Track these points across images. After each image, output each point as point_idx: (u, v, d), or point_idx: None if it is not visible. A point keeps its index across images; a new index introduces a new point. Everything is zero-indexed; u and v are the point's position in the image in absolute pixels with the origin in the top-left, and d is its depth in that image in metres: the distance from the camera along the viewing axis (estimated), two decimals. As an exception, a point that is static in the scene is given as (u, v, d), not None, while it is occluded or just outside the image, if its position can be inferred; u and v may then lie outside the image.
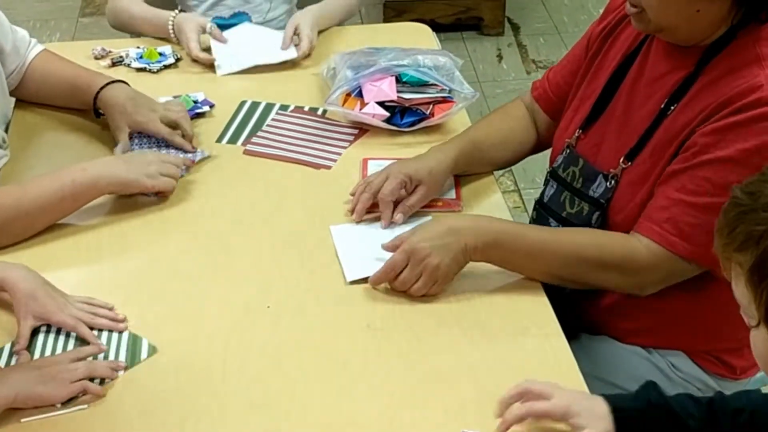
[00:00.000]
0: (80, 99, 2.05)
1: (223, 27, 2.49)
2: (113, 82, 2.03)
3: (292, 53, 2.29)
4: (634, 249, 1.60)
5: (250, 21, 2.54)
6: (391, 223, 1.76)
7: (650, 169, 1.64)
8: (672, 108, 1.62)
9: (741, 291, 1.10)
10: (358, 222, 1.79)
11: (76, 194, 1.76)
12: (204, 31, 2.31)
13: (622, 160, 1.67)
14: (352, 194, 1.83)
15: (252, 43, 2.34)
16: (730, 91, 1.55)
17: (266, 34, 2.38)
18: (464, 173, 1.89)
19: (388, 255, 1.63)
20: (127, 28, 2.48)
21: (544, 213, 1.82)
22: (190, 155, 1.95)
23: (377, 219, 1.79)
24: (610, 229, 1.69)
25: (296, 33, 2.31)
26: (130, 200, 1.84)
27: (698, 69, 1.61)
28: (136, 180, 1.79)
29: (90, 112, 2.05)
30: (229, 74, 2.25)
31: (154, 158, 1.84)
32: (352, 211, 1.79)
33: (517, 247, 1.62)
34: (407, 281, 1.61)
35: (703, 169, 1.56)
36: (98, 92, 2.01)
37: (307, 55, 2.30)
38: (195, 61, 2.28)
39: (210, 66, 2.27)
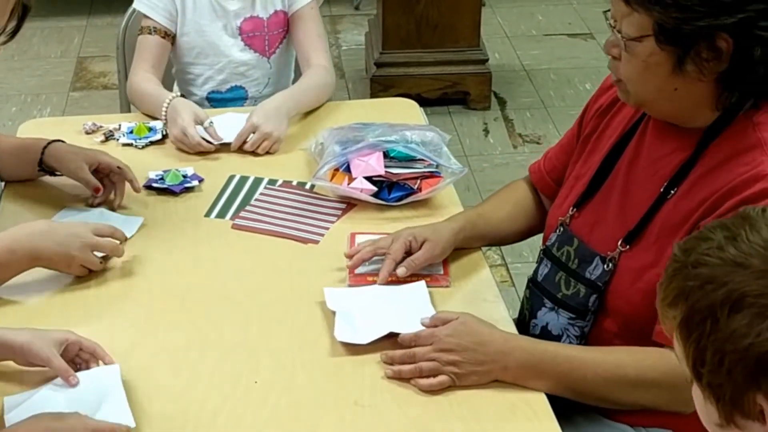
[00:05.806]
0: (25, 159, 2.07)
1: (219, 101, 2.50)
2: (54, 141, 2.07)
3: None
4: (672, 362, 1.55)
5: (247, 95, 2.55)
6: (389, 282, 1.76)
7: (654, 257, 1.61)
8: (672, 192, 1.61)
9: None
10: (351, 285, 1.80)
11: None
12: (200, 122, 2.24)
13: (620, 242, 1.66)
14: (349, 256, 1.83)
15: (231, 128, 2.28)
16: (733, 178, 1.53)
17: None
18: (470, 246, 1.89)
19: (380, 322, 1.65)
20: (137, 105, 2.43)
21: (537, 292, 1.80)
22: (123, 228, 1.91)
23: (370, 284, 1.80)
24: (608, 315, 1.67)
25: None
26: (115, 271, 1.85)
27: (698, 152, 1.59)
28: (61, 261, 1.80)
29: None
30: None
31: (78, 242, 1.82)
32: (350, 257, 1.81)
33: (552, 369, 1.58)
34: (419, 354, 1.60)
35: None
36: (44, 148, 2.05)
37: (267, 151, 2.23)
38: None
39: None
